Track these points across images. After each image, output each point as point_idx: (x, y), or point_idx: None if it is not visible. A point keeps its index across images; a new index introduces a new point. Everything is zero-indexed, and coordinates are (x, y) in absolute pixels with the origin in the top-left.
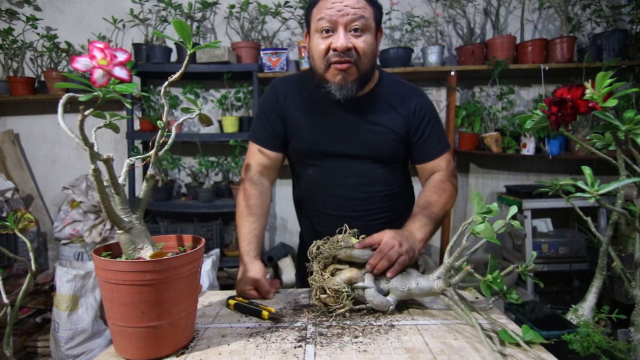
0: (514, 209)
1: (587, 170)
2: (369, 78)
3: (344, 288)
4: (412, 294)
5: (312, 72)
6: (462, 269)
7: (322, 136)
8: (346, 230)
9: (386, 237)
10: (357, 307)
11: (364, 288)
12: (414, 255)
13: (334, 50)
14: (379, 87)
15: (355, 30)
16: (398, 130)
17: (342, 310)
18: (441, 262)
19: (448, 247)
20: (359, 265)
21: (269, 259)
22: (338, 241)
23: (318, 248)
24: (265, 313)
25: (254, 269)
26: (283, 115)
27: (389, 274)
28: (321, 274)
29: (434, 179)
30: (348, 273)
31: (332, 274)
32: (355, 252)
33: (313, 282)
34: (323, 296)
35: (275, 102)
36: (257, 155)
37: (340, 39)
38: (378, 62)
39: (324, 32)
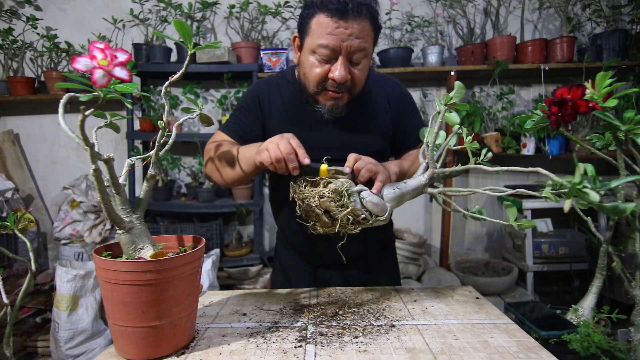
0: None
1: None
2: (360, 95)
3: (343, 185)
4: (403, 193)
5: (300, 86)
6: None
7: (305, 144)
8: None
9: (364, 157)
10: (358, 210)
11: (359, 191)
12: (390, 176)
13: (332, 79)
14: (364, 89)
15: (355, 60)
16: (384, 129)
17: (345, 212)
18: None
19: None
20: None
21: (269, 259)
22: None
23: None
24: (324, 166)
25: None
26: (264, 120)
27: (374, 190)
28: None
29: (410, 153)
30: (342, 179)
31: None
32: (340, 169)
33: (307, 195)
34: (322, 200)
35: (256, 106)
36: (226, 139)
37: (340, 71)
38: (377, 63)
39: (322, 57)
